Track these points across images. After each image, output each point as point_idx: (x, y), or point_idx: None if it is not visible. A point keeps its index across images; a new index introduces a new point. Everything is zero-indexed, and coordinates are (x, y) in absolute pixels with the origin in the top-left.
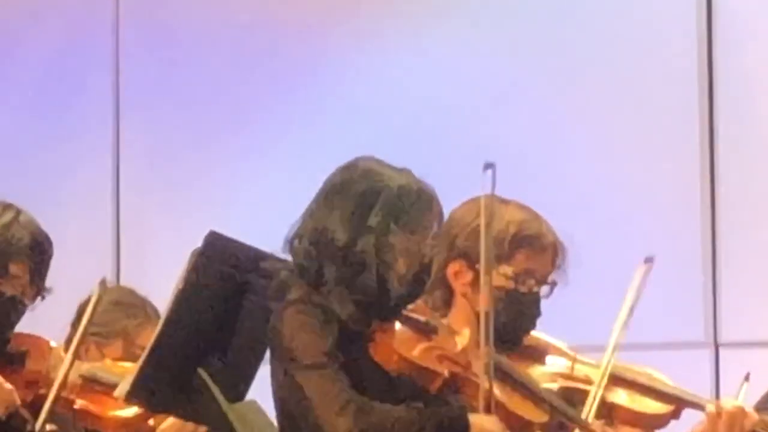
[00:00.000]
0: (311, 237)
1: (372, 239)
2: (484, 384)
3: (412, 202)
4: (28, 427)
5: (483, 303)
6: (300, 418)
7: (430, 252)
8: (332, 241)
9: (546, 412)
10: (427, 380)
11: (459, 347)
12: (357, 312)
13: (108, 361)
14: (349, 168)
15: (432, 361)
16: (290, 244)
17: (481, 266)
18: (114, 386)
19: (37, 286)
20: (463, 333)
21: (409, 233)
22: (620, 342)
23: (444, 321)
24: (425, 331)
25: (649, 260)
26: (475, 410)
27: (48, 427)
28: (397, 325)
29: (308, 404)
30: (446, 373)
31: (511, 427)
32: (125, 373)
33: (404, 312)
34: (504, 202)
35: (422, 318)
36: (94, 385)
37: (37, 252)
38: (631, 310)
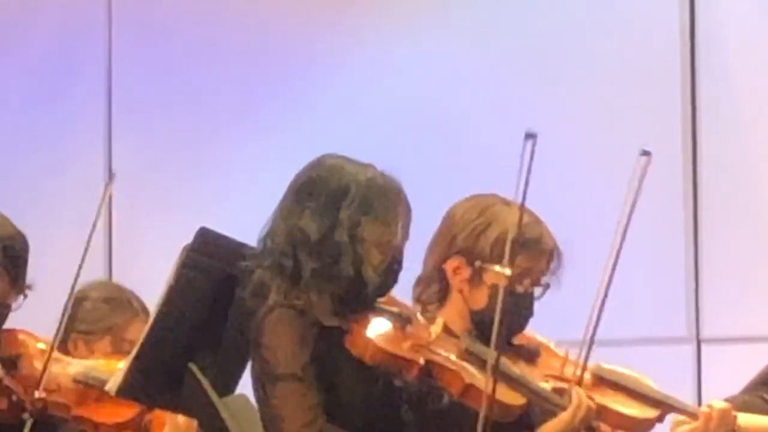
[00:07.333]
0: (285, 235)
1: (345, 232)
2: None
3: (380, 195)
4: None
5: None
6: (268, 426)
7: (401, 242)
8: (306, 237)
9: (524, 395)
10: (404, 369)
11: (433, 336)
12: (334, 305)
13: (100, 360)
14: (316, 165)
15: (407, 350)
16: (263, 243)
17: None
18: None
19: (18, 286)
20: (436, 321)
21: (380, 225)
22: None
23: (438, 315)
24: (399, 321)
25: (646, 153)
26: (451, 397)
27: None
28: (371, 318)
29: (276, 414)
30: (422, 361)
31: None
32: (117, 371)
33: (377, 305)
34: (506, 203)
35: (395, 309)
36: (88, 390)
37: (11, 254)
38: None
